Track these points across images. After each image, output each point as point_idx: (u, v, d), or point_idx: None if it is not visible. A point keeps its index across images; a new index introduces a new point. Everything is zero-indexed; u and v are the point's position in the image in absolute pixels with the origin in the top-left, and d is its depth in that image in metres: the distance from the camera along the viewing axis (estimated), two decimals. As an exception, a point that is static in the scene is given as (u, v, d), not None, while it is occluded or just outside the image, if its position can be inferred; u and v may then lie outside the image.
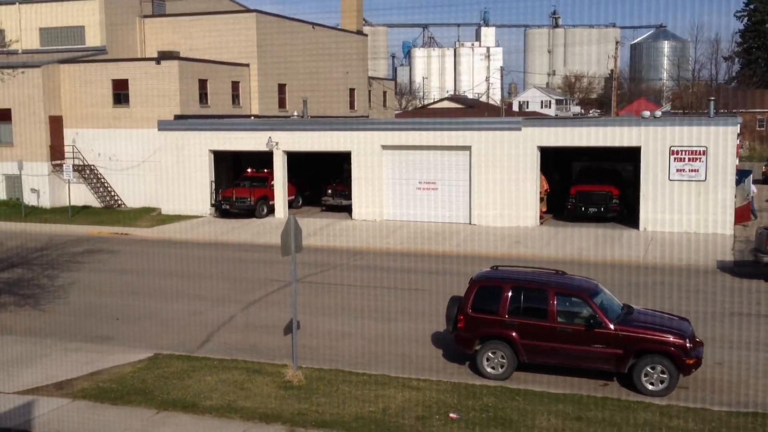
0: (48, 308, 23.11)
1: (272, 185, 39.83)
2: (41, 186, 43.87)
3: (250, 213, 39.21)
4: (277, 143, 39.46)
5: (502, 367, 16.71)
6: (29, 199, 43.60)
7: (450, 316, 17.44)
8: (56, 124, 44.88)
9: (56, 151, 44.46)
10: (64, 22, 48.62)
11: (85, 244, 33.71)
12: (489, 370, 16.80)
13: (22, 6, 49.41)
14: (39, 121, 43.99)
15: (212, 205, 40.44)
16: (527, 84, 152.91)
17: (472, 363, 17.28)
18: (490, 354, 16.81)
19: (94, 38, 48.38)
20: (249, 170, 41.47)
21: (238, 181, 41.17)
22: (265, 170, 40.87)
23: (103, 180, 44.60)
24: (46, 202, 43.74)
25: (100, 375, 16.88)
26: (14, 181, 43.70)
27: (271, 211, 39.78)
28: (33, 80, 43.41)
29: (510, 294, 16.79)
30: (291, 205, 41.02)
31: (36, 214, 41.74)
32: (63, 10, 48.59)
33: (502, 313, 16.73)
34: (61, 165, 43.27)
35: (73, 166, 42.74)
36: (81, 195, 43.93)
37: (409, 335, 20.14)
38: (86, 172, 44.33)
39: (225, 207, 39.50)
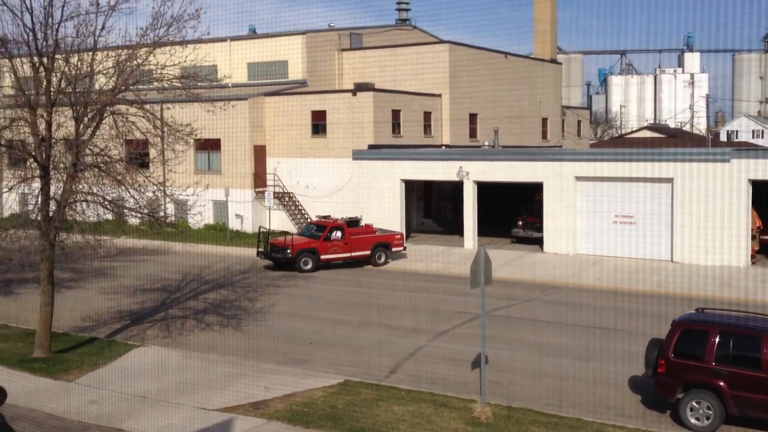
0: (248, 330, 24.20)
1: (328, 236, 35.13)
2: (245, 212, 46.38)
3: (289, 265, 34.68)
4: (467, 173, 39.47)
5: (707, 418, 15.51)
6: (234, 224, 46.22)
7: (649, 359, 16.48)
8: (260, 154, 47.42)
9: (259, 179, 46.91)
10: (270, 57, 51.44)
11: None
12: (693, 421, 15.65)
13: (232, 42, 52.85)
14: (245, 151, 46.62)
15: (258, 253, 35.90)
16: (736, 112, 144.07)
17: (674, 412, 16.19)
18: (694, 404, 15.66)
19: (296, 72, 50.84)
20: (315, 218, 37.97)
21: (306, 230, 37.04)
22: (335, 219, 36.84)
23: (300, 207, 46.49)
24: (248, 227, 46.15)
25: (294, 398, 17.35)
26: (221, 207, 46.52)
27: (320, 266, 34.90)
28: (241, 112, 46.11)
29: (717, 340, 15.60)
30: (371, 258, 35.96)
31: (239, 238, 44.12)
32: (269, 45, 51.44)
33: (709, 360, 15.56)
34: (263, 192, 45.58)
35: (274, 193, 44.90)
36: (280, 221, 45.99)
37: (604, 377, 19.24)
38: (285, 200, 46.40)
39: (274, 256, 35.01)
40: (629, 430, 15.42)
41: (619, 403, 17.47)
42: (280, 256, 34.79)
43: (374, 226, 37.89)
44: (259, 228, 37.27)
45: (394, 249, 36.76)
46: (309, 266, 34.72)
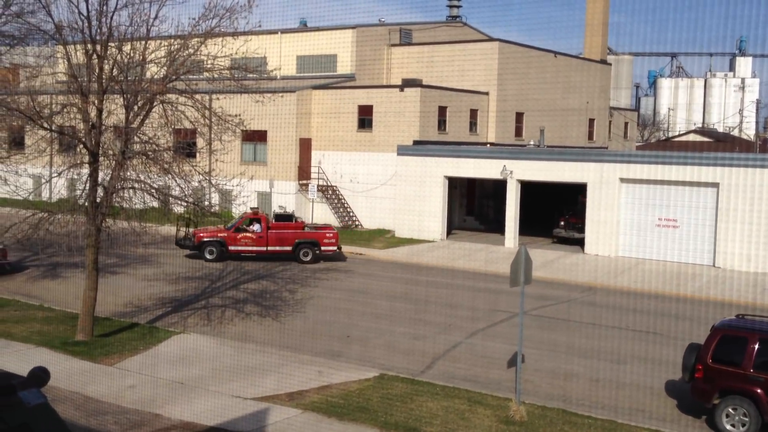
0: (287, 321, 24.48)
1: (239, 228, 34.44)
2: (288, 203, 46.75)
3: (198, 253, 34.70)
4: (511, 172, 39.33)
5: (743, 425, 15.36)
6: (277, 215, 46.62)
7: (687, 364, 16.35)
8: (305, 146, 47.77)
9: (303, 172, 47.27)
10: (319, 50, 51.75)
11: (324, 262, 35.40)
12: (728, 427, 15.51)
13: (283, 35, 53.25)
14: (290, 143, 47.03)
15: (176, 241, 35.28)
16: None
17: (710, 418, 16.04)
18: (730, 410, 15.51)
19: (344, 66, 51.07)
20: (250, 210, 35.92)
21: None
22: (255, 211, 35.66)
23: (343, 200, 46.75)
24: (291, 219, 46.52)
25: (329, 389, 17.52)
26: (264, 198, 46.99)
27: (229, 258, 34.52)
28: (288, 104, 46.49)
29: (757, 347, 15.43)
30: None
31: (282, 229, 44.44)
32: (319, 39, 51.73)
33: (747, 366, 15.40)
34: (306, 185, 45.93)
35: (318, 186, 45.20)
36: (322, 214, 46.31)
37: (640, 381, 19.12)
38: (328, 193, 46.70)
39: (184, 244, 34.83)
40: (663, 435, 15.34)
41: (654, 406, 17.36)
42: (189, 244, 34.65)
43: (305, 222, 36.55)
44: (182, 215, 34.13)
45: (323, 248, 35.03)
46: (212, 256, 34.33)
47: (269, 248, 34.80)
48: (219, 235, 34.74)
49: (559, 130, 56.27)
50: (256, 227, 34.79)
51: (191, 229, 34.99)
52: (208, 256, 34.44)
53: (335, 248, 35.48)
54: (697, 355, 16.17)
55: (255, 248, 34.79)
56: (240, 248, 34.68)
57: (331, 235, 35.47)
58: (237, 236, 34.54)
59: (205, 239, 34.58)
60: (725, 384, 15.61)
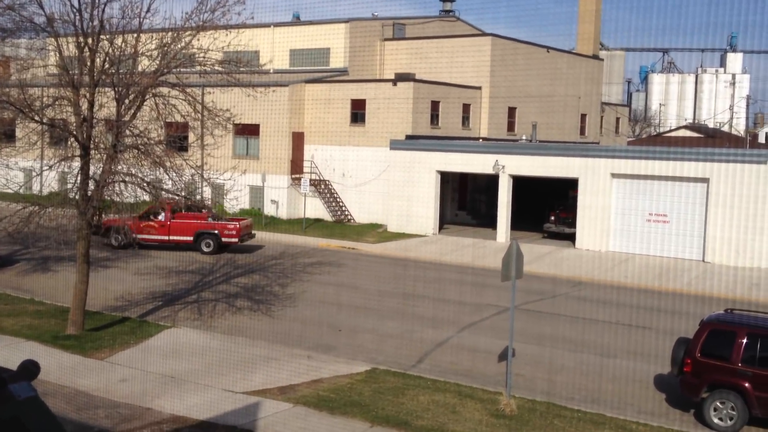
0: (278, 315, 24.50)
1: (143, 216, 33.26)
2: (280, 198, 46.74)
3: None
4: (503, 167, 39.40)
5: (731, 419, 15.49)
6: (269, 209, 46.61)
7: (676, 358, 16.48)
8: (298, 140, 47.71)
9: (296, 166, 47.21)
10: (312, 44, 51.63)
11: (316, 256, 35.44)
12: (716, 421, 15.63)
13: (276, 29, 53.09)
14: (283, 137, 46.93)
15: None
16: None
17: (698, 411, 16.17)
18: (718, 404, 15.64)
19: (337, 60, 50.97)
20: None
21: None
22: (162, 200, 32.08)
23: (335, 195, 46.73)
24: (283, 214, 46.54)
25: (321, 383, 17.58)
26: (257, 192, 46.96)
27: (129, 244, 32.84)
28: (281, 98, 46.32)
29: (745, 341, 15.56)
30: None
31: (274, 224, 44.48)
32: (312, 33, 51.60)
33: (735, 360, 15.52)
34: (299, 179, 45.87)
35: (310, 180, 45.17)
36: (315, 208, 46.30)
37: (630, 374, 19.23)
38: (321, 187, 46.67)
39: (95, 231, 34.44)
40: (652, 428, 15.44)
41: (644, 400, 17.47)
42: (99, 231, 34.08)
43: (211, 213, 35.50)
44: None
45: (224, 239, 34.85)
46: (117, 243, 34.49)
47: (171, 237, 35.25)
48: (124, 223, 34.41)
49: (551, 125, 56.34)
50: (160, 216, 34.96)
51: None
52: (114, 243, 34.53)
53: (236, 240, 35.20)
54: (685, 349, 16.28)
55: (157, 237, 35.21)
56: (143, 236, 34.72)
57: (233, 227, 35.09)
58: (141, 225, 34.37)
59: (110, 226, 33.44)
60: (713, 378, 15.73)
